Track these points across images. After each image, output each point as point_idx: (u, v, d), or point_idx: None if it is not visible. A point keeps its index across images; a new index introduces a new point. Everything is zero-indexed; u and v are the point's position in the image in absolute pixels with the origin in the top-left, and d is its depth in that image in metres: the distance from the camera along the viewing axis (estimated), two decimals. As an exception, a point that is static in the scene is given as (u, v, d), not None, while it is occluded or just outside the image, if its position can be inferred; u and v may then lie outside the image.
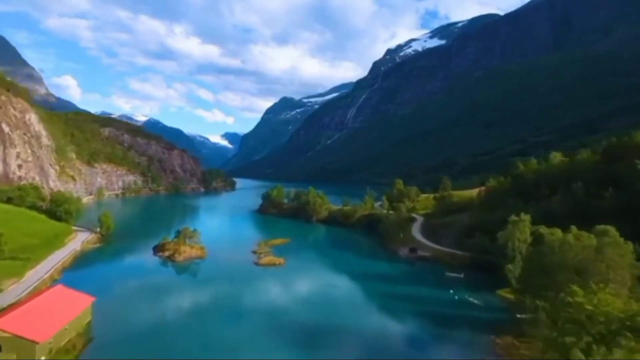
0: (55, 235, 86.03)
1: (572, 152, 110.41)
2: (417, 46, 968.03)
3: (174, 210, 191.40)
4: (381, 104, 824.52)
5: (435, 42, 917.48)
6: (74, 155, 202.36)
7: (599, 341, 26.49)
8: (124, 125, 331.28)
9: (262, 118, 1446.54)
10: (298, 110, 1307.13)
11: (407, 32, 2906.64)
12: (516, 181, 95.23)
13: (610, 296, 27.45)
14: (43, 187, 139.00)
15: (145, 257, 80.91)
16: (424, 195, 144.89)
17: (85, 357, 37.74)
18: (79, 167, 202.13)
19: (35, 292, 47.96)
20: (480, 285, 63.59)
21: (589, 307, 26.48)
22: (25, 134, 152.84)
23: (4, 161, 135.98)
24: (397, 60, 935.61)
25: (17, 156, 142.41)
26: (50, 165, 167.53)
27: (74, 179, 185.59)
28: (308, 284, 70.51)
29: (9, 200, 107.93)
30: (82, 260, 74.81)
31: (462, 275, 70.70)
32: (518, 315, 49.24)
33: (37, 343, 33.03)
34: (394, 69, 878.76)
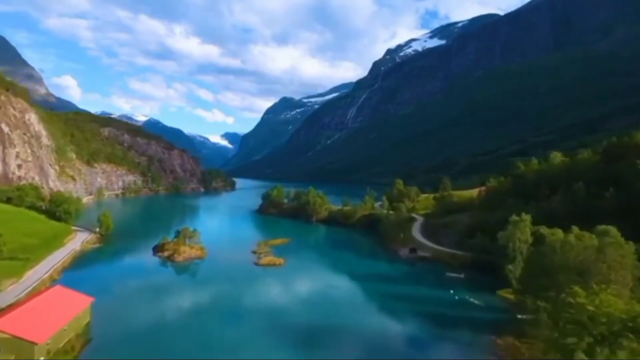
0: (54, 235, 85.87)
1: (572, 152, 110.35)
2: (417, 46, 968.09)
3: (174, 210, 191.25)
4: (381, 104, 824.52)
5: (435, 42, 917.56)
6: (73, 155, 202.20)
7: (601, 342, 26.34)
8: (124, 125, 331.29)
9: (262, 118, 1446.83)
10: (298, 110, 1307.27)
11: (407, 32, 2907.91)
12: (516, 181, 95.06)
13: (612, 297, 27.28)
14: (43, 187, 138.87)
15: (145, 257, 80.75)
16: (424, 195, 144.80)
17: (84, 358, 37.57)
18: (79, 167, 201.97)
19: (35, 293, 47.76)
20: (480, 286, 63.41)
21: (591, 308, 26.32)
22: (24, 133, 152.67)
23: (4, 161, 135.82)
24: (397, 60, 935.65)
25: (17, 156, 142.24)
26: (50, 165, 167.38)
27: (73, 179, 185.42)
28: (308, 284, 70.35)
29: (8, 201, 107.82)
30: (81, 261, 74.64)
31: (462, 276, 70.53)
32: (519, 316, 49.07)
33: (36, 344, 32.86)
34: (394, 69, 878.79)
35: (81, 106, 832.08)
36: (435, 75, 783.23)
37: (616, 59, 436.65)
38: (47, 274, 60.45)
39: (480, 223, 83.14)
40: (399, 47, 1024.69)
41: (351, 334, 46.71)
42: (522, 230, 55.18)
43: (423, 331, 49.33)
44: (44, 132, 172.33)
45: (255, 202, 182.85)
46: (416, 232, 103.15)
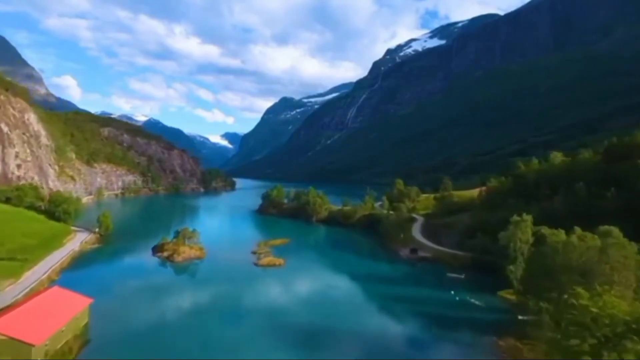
0: (53, 235, 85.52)
1: (573, 152, 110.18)
2: (417, 46, 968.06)
3: (174, 210, 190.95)
4: (381, 104, 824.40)
5: (435, 42, 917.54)
6: (73, 155, 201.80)
7: (605, 344, 26.03)
8: (124, 125, 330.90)
9: (262, 118, 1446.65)
10: (298, 110, 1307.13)
11: (407, 32, 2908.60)
12: (517, 181, 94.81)
13: (615, 298, 26.96)
14: (42, 187, 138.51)
15: (144, 258, 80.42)
16: (424, 195, 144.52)
17: (82, 359, 37.25)
18: (79, 167, 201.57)
19: (33, 293, 47.42)
20: (481, 286, 63.12)
21: (594, 310, 26.00)
22: (24, 133, 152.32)
23: (3, 161, 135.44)
24: (397, 60, 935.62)
25: (16, 156, 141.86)
26: (50, 165, 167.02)
27: (73, 179, 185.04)
28: (308, 284, 70.06)
29: (7, 201, 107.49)
30: (80, 261, 74.28)
31: (463, 276, 70.23)
32: (520, 317, 48.77)
33: (33, 346, 32.52)
34: (394, 69, 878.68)
35: (81, 106, 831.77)
36: (435, 75, 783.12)
37: (616, 59, 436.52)
38: (46, 275, 60.11)
39: (480, 223, 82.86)
40: (399, 47, 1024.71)
41: (351, 335, 46.48)
42: (523, 230, 54.87)
43: (423, 332, 49.05)
44: (43, 132, 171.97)
45: (255, 202, 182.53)
46: (416, 232, 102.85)
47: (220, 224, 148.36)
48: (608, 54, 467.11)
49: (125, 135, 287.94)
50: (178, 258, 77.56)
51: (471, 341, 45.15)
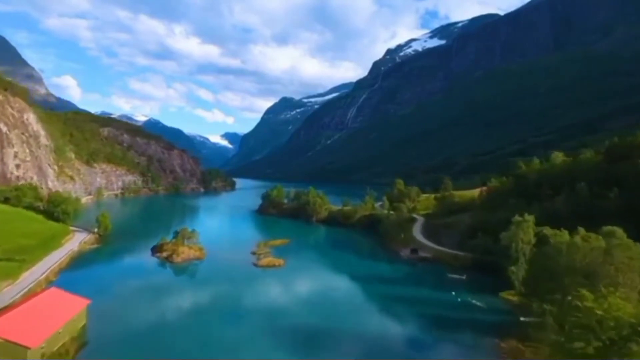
0: (52, 235, 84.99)
1: (573, 152, 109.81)
2: (417, 46, 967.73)
3: (173, 211, 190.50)
4: (381, 104, 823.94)
5: (435, 42, 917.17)
6: (72, 155, 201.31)
7: (609, 347, 25.63)
8: (124, 125, 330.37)
9: (262, 118, 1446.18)
10: (298, 110, 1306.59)
11: (407, 32, 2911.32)
12: (518, 181, 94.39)
13: (620, 300, 26.55)
14: (41, 187, 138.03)
15: (143, 258, 79.96)
16: (424, 195, 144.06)
17: (79, 361, 36.82)
18: (78, 167, 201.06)
19: (30, 294, 46.99)
20: (482, 287, 62.67)
21: (599, 312, 25.59)
22: (23, 133, 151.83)
23: (2, 161, 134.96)
24: (397, 60, 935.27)
25: (15, 156, 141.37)
26: (49, 165, 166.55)
27: (72, 179, 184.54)
28: (308, 285, 69.64)
29: (6, 201, 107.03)
30: (79, 261, 73.82)
31: (464, 277, 69.78)
32: (522, 319, 48.34)
33: (29, 348, 32.05)
34: (394, 69, 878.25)
35: (81, 106, 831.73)
36: (435, 75, 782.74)
37: (616, 59, 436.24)
38: (44, 275, 59.64)
39: (481, 223, 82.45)
40: (399, 47, 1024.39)
41: (351, 335, 46.14)
42: (525, 230, 54.41)
43: (424, 333, 48.64)
44: (42, 132, 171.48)
45: (255, 202, 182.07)
46: (417, 232, 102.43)
47: (220, 224, 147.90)
48: (608, 54, 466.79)
49: (125, 135, 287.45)
50: (177, 258, 77.08)
51: (473, 343, 44.72)
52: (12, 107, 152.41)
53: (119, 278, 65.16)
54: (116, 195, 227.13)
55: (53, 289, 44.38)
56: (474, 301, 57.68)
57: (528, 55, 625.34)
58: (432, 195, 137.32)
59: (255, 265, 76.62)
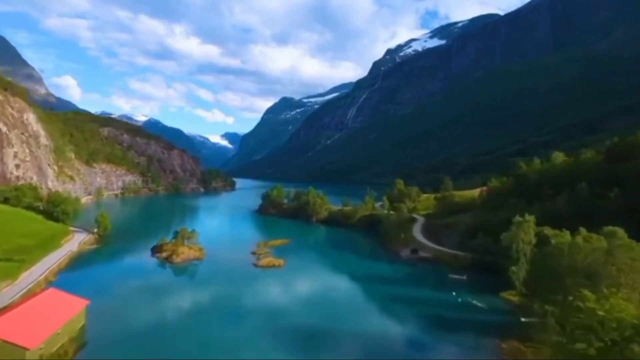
0: (51, 236, 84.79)
1: (573, 152, 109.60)
2: (417, 46, 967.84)
3: (173, 211, 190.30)
4: (381, 104, 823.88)
5: (435, 42, 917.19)
6: (72, 155, 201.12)
7: (611, 348, 25.47)
8: (123, 125, 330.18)
9: (262, 118, 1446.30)
10: (298, 110, 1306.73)
11: (407, 32, 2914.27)
12: (519, 181, 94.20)
13: (623, 301, 26.38)
14: (41, 187, 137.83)
15: (143, 258, 79.77)
16: (424, 195, 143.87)
17: (78, 362, 36.64)
18: (78, 167, 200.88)
19: (29, 295, 46.82)
20: (483, 288, 62.51)
21: (601, 313, 25.41)
22: (23, 133, 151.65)
23: (1, 161, 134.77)
24: (397, 60, 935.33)
25: (15, 156, 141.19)
26: (49, 165, 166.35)
27: (72, 179, 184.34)
28: (308, 285, 69.47)
29: (5, 201, 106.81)
30: (78, 262, 73.64)
31: (464, 277, 69.59)
32: (523, 319, 48.14)
33: (27, 349, 31.87)
34: (394, 69, 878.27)
35: (81, 106, 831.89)
36: (435, 75, 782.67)
37: (616, 59, 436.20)
38: (43, 276, 59.46)
39: (482, 223, 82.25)
40: (399, 47, 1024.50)
41: (351, 336, 46.01)
42: (525, 231, 54.21)
43: (425, 333, 48.45)
44: (42, 132, 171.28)
45: (255, 202, 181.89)
46: (417, 232, 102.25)
47: (220, 224, 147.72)
48: (608, 54, 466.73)
49: (125, 135, 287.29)
50: (177, 259, 76.89)
51: (473, 343, 44.54)
52: (11, 107, 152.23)
53: (118, 278, 64.96)
54: (116, 195, 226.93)
55: (52, 290, 44.21)
56: (474, 301, 57.48)
57: (528, 55, 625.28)
58: (433, 196, 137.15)
59: (255, 265, 76.44)
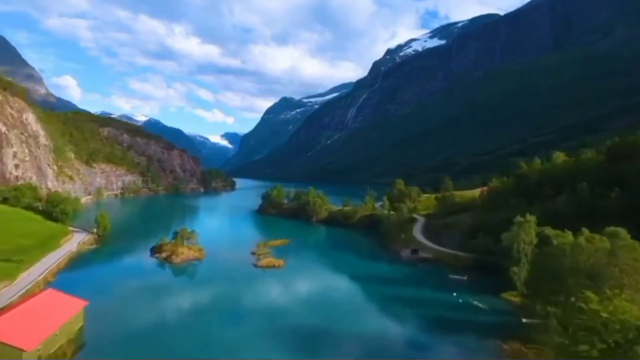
0: (50, 236, 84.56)
1: (573, 152, 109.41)
2: (417, 46, 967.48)
3: (173, 211, 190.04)
4: (381, 104, 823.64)
5: (435, 42, 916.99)
6: (72, 155, 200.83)
7: (615, 350, 25.19)
8: (123, 125, 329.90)
9: (262, 118, 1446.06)
10: (298, 110, 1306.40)
11: (407, 32, 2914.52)
12: (519, 181, 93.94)
13: (626, 303, 26.09)
14: (41, 187, 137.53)
15: (142, 259, 79.51)
16: (425, 195, 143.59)
17: (76, 364, 36.34)
18: (78, 167, 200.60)
19: (28, 295, 46.53)
20: (484, 288, 62.22)
21: (605, 315, 25.13)
22: (22, 133, 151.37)
23: (1, 161, 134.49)
24: (397, 60, 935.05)
25: (14, 156, 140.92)
26: (48, 165, 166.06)
27: (72, 179, 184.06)
28: (308, 285, 69.21)
29: (4, 201, 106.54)
30: (77, 262, 73.37)
31: (465, 278, 69.30)
32: (524, 320, 47.87)
33: (24, 351, 31.54)
34: (394, 69, 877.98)
35: (81, 106, 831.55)
36: (435, 75, 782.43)
37: (616, 59, 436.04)
38: (41, 276, 59.18)
39: (482, 224, 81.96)
40: (399, 47, 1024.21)
41: (351, 336, 45.82)
42: (526, 231, 53.92)
43: (425, 334, 48.16)
44: (41, 132, 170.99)
45: (255, 202, 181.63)
46: (417, 232, 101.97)
47: (220, 224, 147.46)
48: (608, 54, 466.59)
49: (124, 135, 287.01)
50: (176, 259, 76.62)
51: (474, 344, 44.26)
52: (11, 107, 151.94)
53: (117, 279, 64.68)
54: (116, 195, 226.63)
55: (50, 291, 43.92)
56: (475, 302, 57.19)
57: (528, 55, 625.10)
58: (433, 196, 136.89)
59: (255, 265, 76.16)
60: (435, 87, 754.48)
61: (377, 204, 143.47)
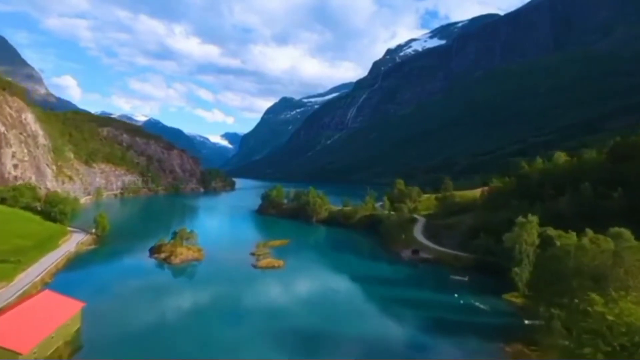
0: (49, 236, 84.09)
1: (574, 152, 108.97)
2: (417, 46, 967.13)
3: (173, 211, 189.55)
4: (381, 104, 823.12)
5: (435, 42, 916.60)
6: (71, 155, 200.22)
7: (620, 353, 24.73)
8: (123, 125, 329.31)
9: (262, 118, 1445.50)
10: (298, 110, 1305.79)
11: (407, 32, 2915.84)
12: (520, 181, 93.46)
13: (632, 305, 25.61)
14: (40, 188, 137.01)
15: (141, 259, 78.97)
16: (425, 195, 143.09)
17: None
18: (77, 167, 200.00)
19: (25, 297, 46.04)
20: (485, 289, 61.77)
21: (611, 318, 24.66)
22: (21, 133, 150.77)
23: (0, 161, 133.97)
24: (397, 60, 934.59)
25: (13, 156, 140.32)
26: (47, 165, 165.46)
27: (71, 179, 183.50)
28: (307, 286, 68.76)
29: (3, 201, 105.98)
30: (75, 263, 72.90)
31: (466, 279, 68.81)
32: (526, 322, 47.40)
33: (20, 354, 31.05)
34: (394, 69, 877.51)
35: (81, 106, 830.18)
36: (435, 75, 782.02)
37: (616, 59, 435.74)
38: (39, 277, 58.69)
39: (483, 224, 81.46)
40: (399, 47, 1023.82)
41: (351, 337, 45.48)
42: (528, 232, 53.45)
43: (426, 335, 47.71)
44: (40, 132, 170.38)
45: (255, 202, 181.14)
46: (418, 233, 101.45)
47: (220, 225, 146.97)
48: (608, 54, 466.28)
49: (124, 135, 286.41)
50: (175, 260, 76.12)
51: (476, 346, 43.79)
52: (10, 107, 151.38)
53: (115, 280, 64.15)
54: (115, 195, 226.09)
55: (46, 292, 43.43)
56: (476, 303, 56.71)
57: (528, 55, 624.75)
58: (433, 196, 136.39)
59: (255, 266, 75.67)
60: (435, 87, 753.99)
61: (378, 204, 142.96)
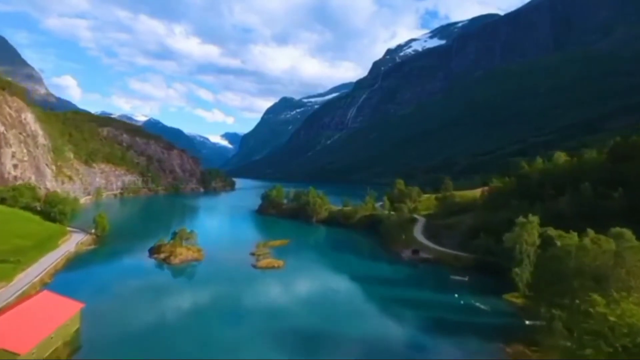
0: (48, 236, 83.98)
1: (573, 152, 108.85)
2: (417, 46, 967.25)
3: (173, 211, 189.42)
4: (381, 104, 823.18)
5: (435, 42, 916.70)
6: (71, 155, 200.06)
7: (621, 354, 24.61)
8: (123, 124, 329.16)
9: (262, 118, 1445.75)
10: (298, 110, 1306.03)
11: (407, 32, 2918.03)
12: (520, 181, 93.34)
13: (634, 306, 25.48)
14: (39, 187, 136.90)
15: (141, 260, 78.84)
16: (425, 195, 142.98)
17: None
18: (77, 167, 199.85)
19: (24, 297, 45.91)
20: (485, 289, 61.64)
21: (613, 319, 24.53)
22: (21, 133, 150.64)
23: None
24: (397, 60, 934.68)
25: (13, 156, 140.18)
26: (47, 165, 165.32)
27: (71, 179, 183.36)
28: (307, 286, 68.64)
29: (2, 201, 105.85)
30: (75, 263, 72.77)
31: (466, 279, 68.69)
32: (527, 322, 47.27)
33: (18, 355, 30.93)
34: (394, 69, 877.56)
35: (81, 106, 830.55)
36: (435, 75, 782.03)
37: (616, 59, 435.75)
38: (38, 277, 58.56)
39: (483, 224, 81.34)
40: (399, 47, 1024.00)
41: (351, 337, 45.33)
42: (529, 232, 53.30)
43: (426, 336, 47.57)
44: (40, 132, 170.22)
45: (255, 202, 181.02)
46: (418, 233, 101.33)
47: (219, 225, 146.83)
48: (608, 54, 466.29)
49: (124, 135, 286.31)
50: (175, 260, 75.98)
51: (476, 346, 43.65)
52: (9, 107, 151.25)
53: (115, 280, 64.01)
54: (115, 195, 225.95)
55: (45, 292, 43.29)
56: (476, 303, 56.58)
57: (528, 55, 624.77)
58: (433, 196, 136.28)
59: (255, 266, 75.54)
60: (435, 87, 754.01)
61: (378, 204, 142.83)
